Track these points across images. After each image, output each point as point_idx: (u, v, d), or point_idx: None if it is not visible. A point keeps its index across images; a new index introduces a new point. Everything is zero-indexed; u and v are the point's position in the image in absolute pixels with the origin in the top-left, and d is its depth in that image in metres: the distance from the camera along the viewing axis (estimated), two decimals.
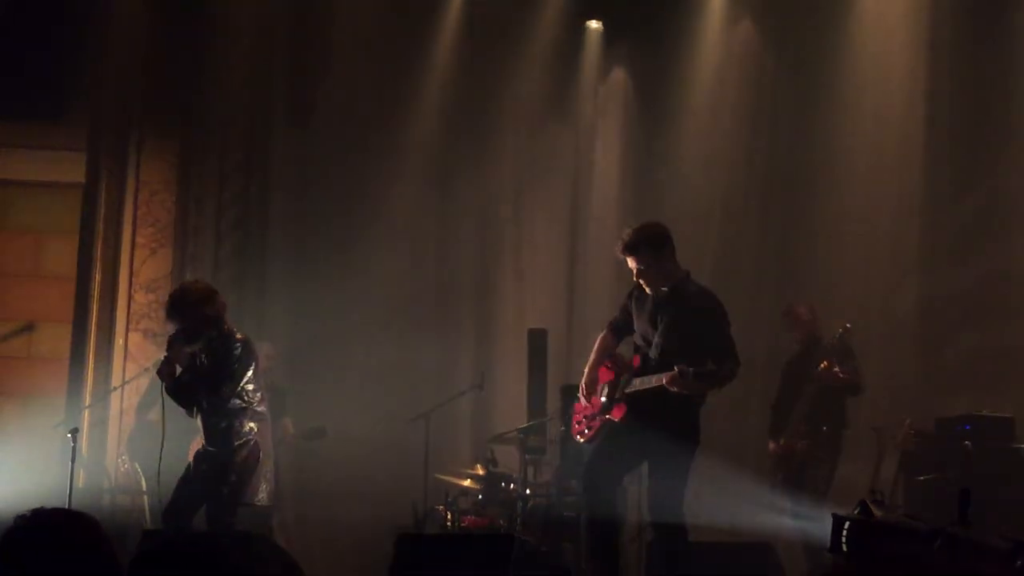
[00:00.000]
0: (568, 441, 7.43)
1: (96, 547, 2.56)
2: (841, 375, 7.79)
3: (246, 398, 6.36)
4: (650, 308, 6.15)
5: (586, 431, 6.38)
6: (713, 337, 5.91)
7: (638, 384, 6.05)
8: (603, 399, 6.27)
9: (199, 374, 6.38)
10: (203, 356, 6.41)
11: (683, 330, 5.95)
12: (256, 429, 6.39)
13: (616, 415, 6.15)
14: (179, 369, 6.39)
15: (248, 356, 6.38)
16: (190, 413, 6.47)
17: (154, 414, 8.80)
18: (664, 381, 5.81)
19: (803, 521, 7.28)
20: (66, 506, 5.67)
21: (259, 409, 6.43)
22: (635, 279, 6.18)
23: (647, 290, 6.17)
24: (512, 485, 7.67)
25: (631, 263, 6.13)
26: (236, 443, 6.33)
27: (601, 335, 6.47)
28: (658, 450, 5.90)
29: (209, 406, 6.35)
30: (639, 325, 6.21)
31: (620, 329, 6.42)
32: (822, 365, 7.81)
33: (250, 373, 6.38)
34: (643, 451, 6.01)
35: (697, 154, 9.98)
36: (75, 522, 2.58)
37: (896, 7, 9.52)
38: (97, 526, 2.59)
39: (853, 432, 8.06)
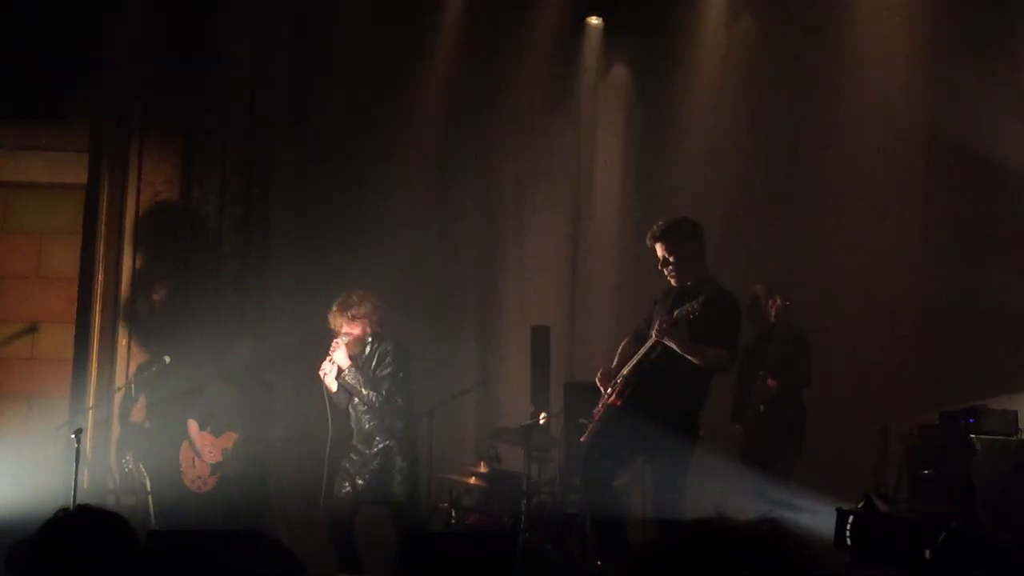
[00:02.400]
0: (572, 438, 7.43)
1: (127, 548, 2.67)
2: (774, 386, 7.86)
3: None
4: (670, 303, 6.15)
5: (588, 426, 6.38)
6: (716, 324, 5.91)
7: (640, 354, 6.09)
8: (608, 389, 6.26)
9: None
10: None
11: (692, 317, 5.94)
12: None
13: (617, 401, 6.14)
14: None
15: None
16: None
17: (136, 415, 8.85)
18: (654, 332, 5.90)
19: (797, 513, 7.28)
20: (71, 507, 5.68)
21: None
22: (660, 268, 6.17)
23: (672, 282, 6.16)
24: (516, 482, 7.67)
25: (659, 251, 6.14)
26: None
27: (625, 341, 6.45)
28: (655, 444, 5.90)
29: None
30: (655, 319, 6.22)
31: (643, 335, 6.38)
32: (769, 381, 7.92)
33: None
34: (639, 444, 6.01)
35: (698, 150, 9.98)
36: (111, 523, 2.69)
37: (896, 4, 9.52)
38: (129, 529, 2.71)
39: (856, 426, 8.06)
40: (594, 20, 10.30)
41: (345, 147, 9.86)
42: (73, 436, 6.90)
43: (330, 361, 7.01)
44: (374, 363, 7.04)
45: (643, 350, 6.10)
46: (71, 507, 2.81)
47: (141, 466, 8.52)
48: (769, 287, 8.27)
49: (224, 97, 9.56)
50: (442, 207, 10.12)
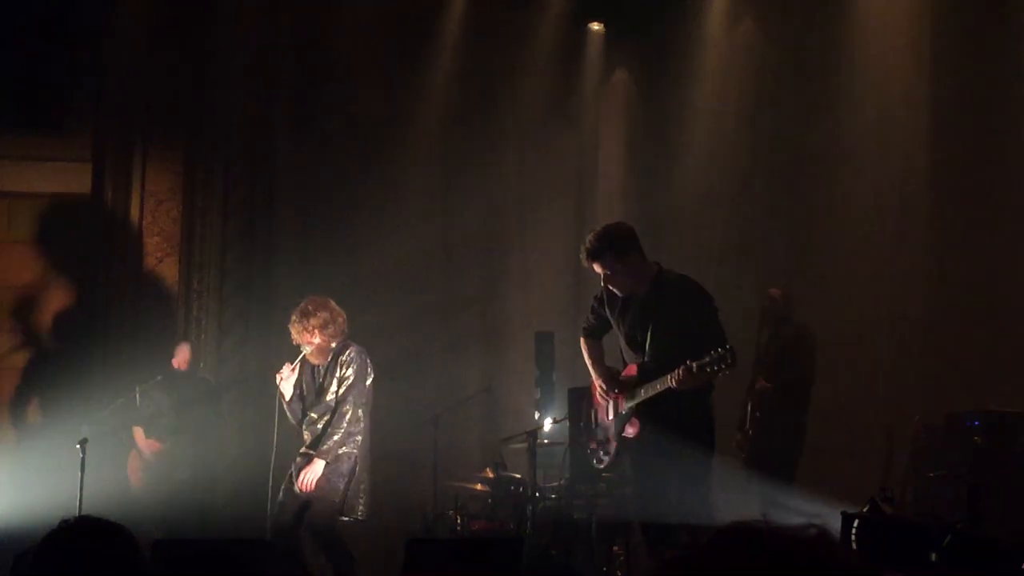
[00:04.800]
0: (577, 443, 7.42)
1: (130, 559, 2.66)
2: (768, 388, 7.83)
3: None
4: (635, 312, 5.90)
5: (602, 456, 6.14)
6: (704, 325, 5.68)
7: (644, 393, 5.77)
8: (611, 419, 6.04)
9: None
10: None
11: (674, 327, 5.71)
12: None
13: (630, 432, 5.91)
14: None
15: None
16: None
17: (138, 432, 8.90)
18: (672, 383, 5.53)
19: (810, 519, 7.26)
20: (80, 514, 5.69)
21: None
22: (603, 284, 5.94)
23: (618, 294, 5.95)
24: (521, 488, 7.67)
25: (598, 269, 5.88)
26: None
27: (584, 343, 6.23)
28: (682, 458, 5.77)
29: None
30: (625, 331, 5.95)
31: (596, 331, 6.21)
32: (758, 384, 7.88)
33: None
34: (669, 464, 5.85)
35: (700, 154, 9.99)
36: (114, 533, 2.72)
37: (897, 4, 9.52)
38: (133, 539, 2.72)
39: (861, 429, 8.05)
40: (596, 26, 10.32)
41: (348, 153, 9.87)
42: (78, 446, 6.91)
43: (287, 373, 6.82)
44: (337, 372, 6.79)
45: (654, 387, 5.87)
46: (73, 518, 2.82)
47: (146, 476, 8.57)
48: (785, 291, 8.23)
49: (226, 105, 9.58)
50: (445, 213, 10.13)
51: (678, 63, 9.99)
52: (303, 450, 6.80)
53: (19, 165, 9.36)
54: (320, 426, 6.75)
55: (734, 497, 7.17)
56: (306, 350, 6.78)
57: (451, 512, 7.67)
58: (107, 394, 8.78)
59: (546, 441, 7.95)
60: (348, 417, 6.70)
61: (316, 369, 6.86)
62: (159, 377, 8.56)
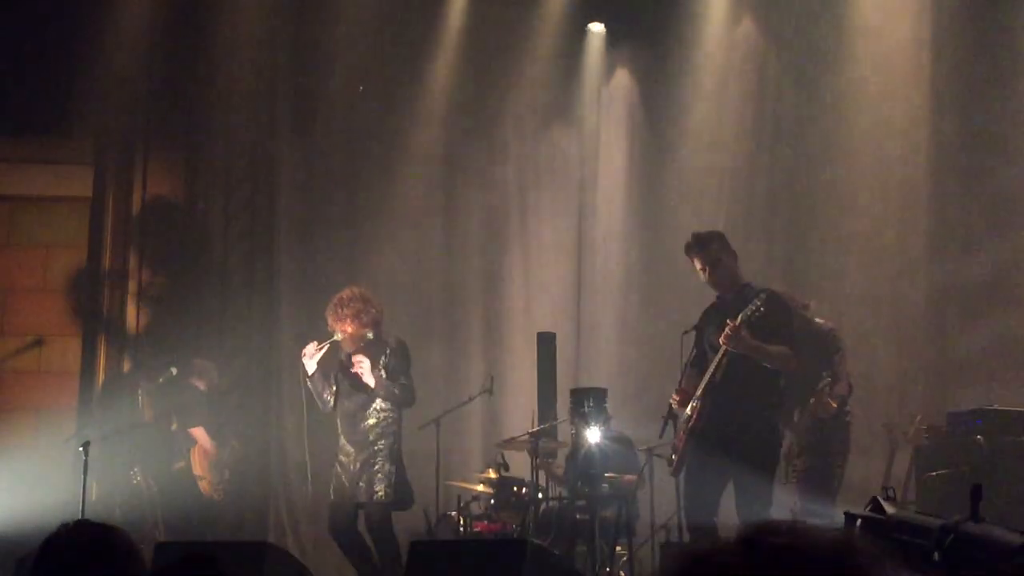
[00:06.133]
0: (579, 444, 7.42)
1: (128, 563, 2.65)
2: (833, 404, 7.51)
3: None
4: (717, 317, 6.16)
5: (673, 458, 6.31)
6: (777, 322, 6.00)
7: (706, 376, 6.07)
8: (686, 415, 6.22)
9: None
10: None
11: (756, 313, 5.96)
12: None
13: (698, 423, 6.07)
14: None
15: None
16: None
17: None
18: (721, 340, 5.90)
19: (815, 520, 7.24)
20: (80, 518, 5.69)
21: None
22: (705, 280, 6.26)
23: (717, 290, 6.21)
24: (524, 489, 7.67)
25: (698, 263, 6.21)
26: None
27: (685, 375, 6.37)
28: (741, 465, 5.87)
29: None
30: (709, 339, 6.21)
31: (700, 361, 6.34)
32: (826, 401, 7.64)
33: None
34: (728, 455, 5.94)
35: (700, 155, 9.98)
36: (113, 537, 2.74)
37: (897, 3, 9.52)
38: (132, 543, 2.73)
39: (862, 429, 8.03)
40: (596, 26, 10.31)
41: (349, 155, 9.88)
42: (81, 449, 6.91)
43: (312, 351, 6.91)
44: (381, 361, 6.94)
45: (713, 363, 6.05)
46: (71, 522, 2.82)
47: (149, 479, 8.55)
48: (816, 306, 7.93)
49: (227, 107, 9.59)
50: (446, 214, 10.13)
51: (679, 63, 9.98)
52: (349, 451, 6.89)
53: (20, 168, 9.37)
54: (366, 421, 6.88)
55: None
56: (337, 337, 6.90)
57: (454, 513, 7.67)
58: (108, 395, 8.81)
59: (548, 441, 7.92)
60: (410, 399, 6.99)
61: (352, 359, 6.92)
62: (160, 380, 8.55)
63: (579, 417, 7.25)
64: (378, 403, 6.92)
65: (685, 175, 10.00)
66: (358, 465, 6.84)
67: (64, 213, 9.46)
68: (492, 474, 7.79)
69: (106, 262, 9.39)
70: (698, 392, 6.11)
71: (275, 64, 9.83)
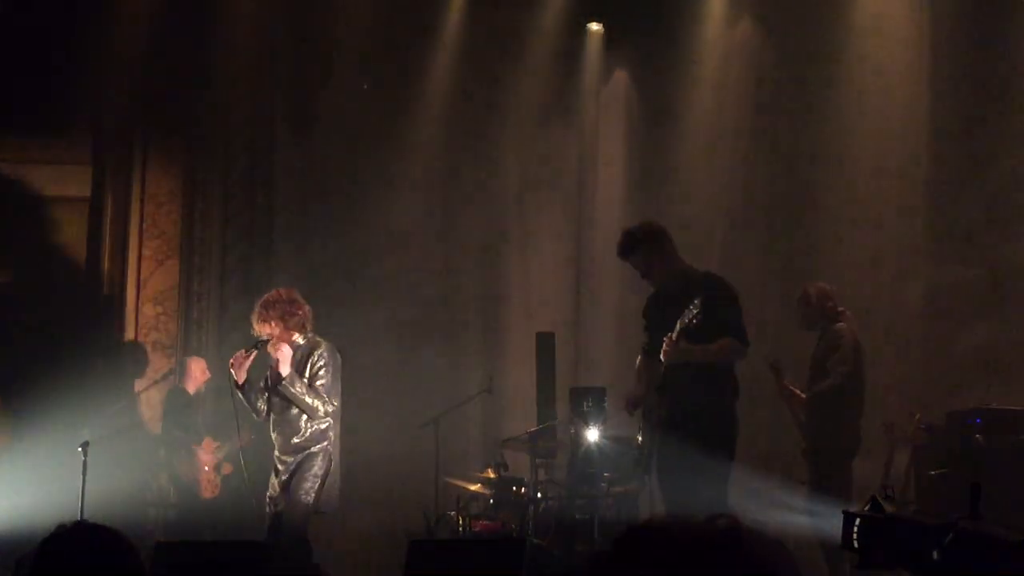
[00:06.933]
0: (578, 443, 7.43)
1: (127, 563, 2.68)
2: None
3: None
4: (663, 309, 6.15)
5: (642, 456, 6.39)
6: (717, 317, 5.92)
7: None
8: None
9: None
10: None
11: (694, 320, 5.90)
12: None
13: (658, 429, 6.13)
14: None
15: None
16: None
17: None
18: (662, 358, 5.90)
19: (818, 519, 7.24)
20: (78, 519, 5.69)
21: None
22: (643, 278, 6.19)
23: (653, 288, 6.18)
24: (523, 488, 7.67)
25: (633, 265, 6.14)
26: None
27: (638, 360, 6.45)
28: (697, 459, 5.89)
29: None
30: (659, 333, 6.18)
31: (651, 348, 6.35)
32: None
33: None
34: (685, 461, 5.97)
35: (699, 154, 9.99)
36: (110, 539, 2.74)
37: (897, 4, 9.53)
38: (131, 543, 2.73)
39: (865, 428, 8.02)
40: (595, 26, 10.30)
41: (348, 155, 9.88)
42: (80, 449, 6.91)
43: (241, 359, 6.52)
44: (308, 368, 6.54)
45: (660, 374, 6.10)
46: (70, 523, 2.82)
47: (150, 479, 8.58)
48: (822, 287, 7.71)
49: (226, 107, 9.59)
50: (445, 214, 10.13)
51: (677, 63, 9.98)
52: (280, 454, 6.61)
53: (19, 168, 9.36)
54: (295, 422, 6.55)
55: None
56: (264, 338, 6.52)
57: (453, 513, 7.67)
58: (108, 396, 8.80)
59: (547, 441, 7.92)
60: (320, 413, 6.53)
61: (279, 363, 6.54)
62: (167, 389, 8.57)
63: (578, 416, 7.26)
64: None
65: (683, 174, 10.00)
66: (289, 473, 6.55)
67: (63, 213, 9.45)
68: (491, 474, 7.79)
69: (105, 262, 9.39)
70: (652, 388, 6.18)
71: (274, 65, 9.82)
